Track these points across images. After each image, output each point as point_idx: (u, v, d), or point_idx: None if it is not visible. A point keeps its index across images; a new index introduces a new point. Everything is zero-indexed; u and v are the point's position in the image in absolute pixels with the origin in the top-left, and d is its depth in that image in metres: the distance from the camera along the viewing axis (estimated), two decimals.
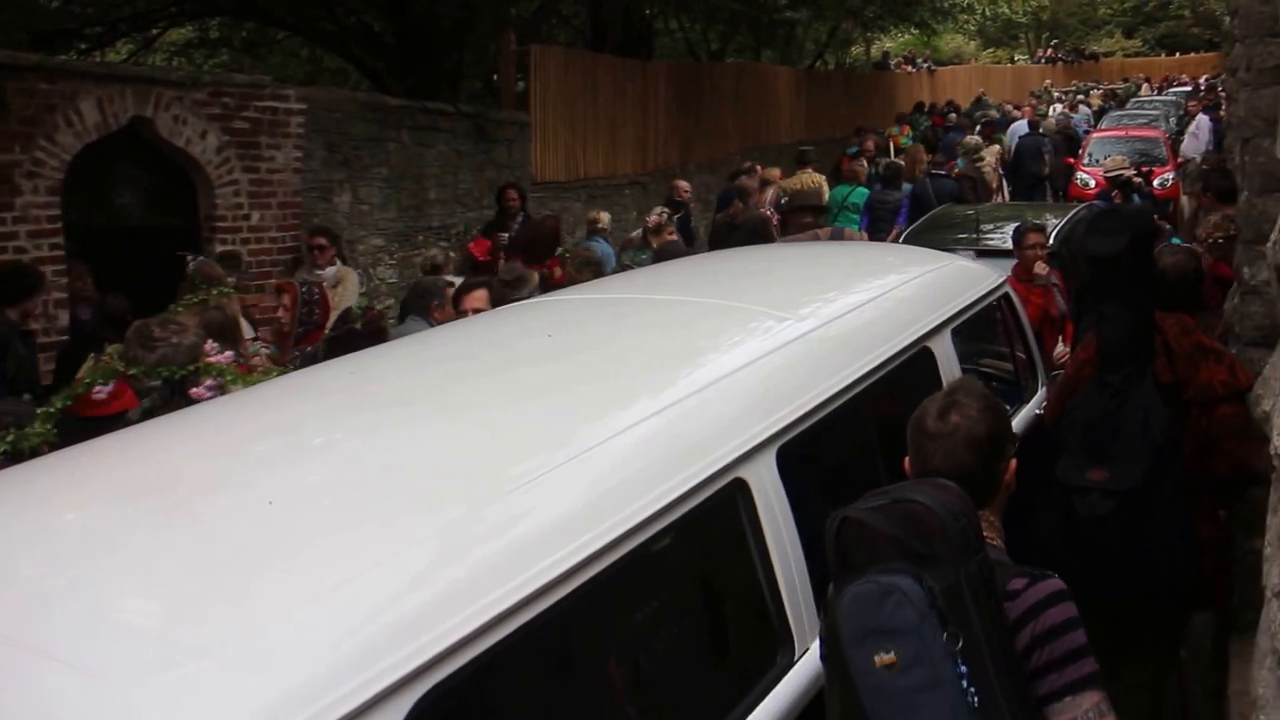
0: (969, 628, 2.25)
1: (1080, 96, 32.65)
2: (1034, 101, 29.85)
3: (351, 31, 14.28)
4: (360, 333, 5.89)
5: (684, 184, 12.92)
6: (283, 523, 2.43)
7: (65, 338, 7.67)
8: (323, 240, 8.79)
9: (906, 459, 2.83)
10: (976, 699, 2.21)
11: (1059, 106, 29.48)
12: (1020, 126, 21.36)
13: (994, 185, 15.59)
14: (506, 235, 9.87)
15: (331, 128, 10.43)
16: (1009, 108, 26.99)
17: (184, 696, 1.89)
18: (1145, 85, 36.98)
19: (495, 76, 15.95)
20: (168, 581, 2.23)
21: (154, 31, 15.57)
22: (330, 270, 8.43)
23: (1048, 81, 39.24)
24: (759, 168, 13.61)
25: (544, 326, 4.08)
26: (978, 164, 15.45)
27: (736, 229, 9.38)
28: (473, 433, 2.95)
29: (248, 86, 9.32)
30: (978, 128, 21.84)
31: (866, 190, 12.76)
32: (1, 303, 6.52)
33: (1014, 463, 2.76)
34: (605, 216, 10.52)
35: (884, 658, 2.25)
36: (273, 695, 1.90)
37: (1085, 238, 4.75)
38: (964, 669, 2.22)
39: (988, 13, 34.06)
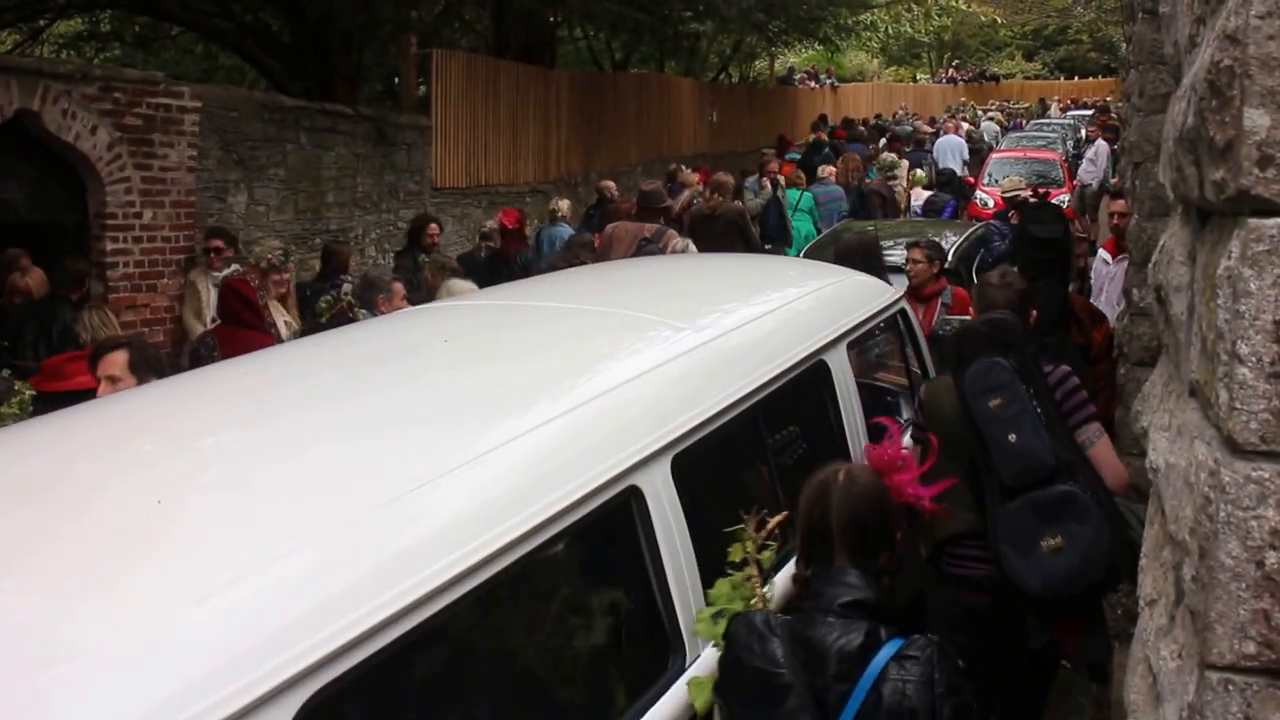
0: (1034, 383, 3.97)
1: (989, 115, 33.38)
2: (954, 117, 30.45)
3: (248, 30, 14.07)
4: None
5: (611, 184, 13.21)
6: (170, 522, 2.39)
7: None
8: (220, 242, 8.80)
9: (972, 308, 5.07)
10: (1043, 420, 3.87)
11: (990, 124, 30.15)
12: (951, 141, 21.67)
13: (904, 204, 15.80)
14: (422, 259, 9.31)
15: (227, 127, 10.26)
16: (920, 124, 27.53)
17: (65, 695, 1.86)
18: (1055, 106, 37.84)
19: (396, 80, 15.83)
20: (50, 579, 2.19)
21: (41, 23, 15.20)
22: (226, 272, 8.42)
23: (962, 98, 40.02)
24: (681, 168, 14.70)
25: (441, 332, 4.06)
26: (890, 181, 15.69)
27: (714, 220, 10.17)
28: (365, 437, 2.93)
29: (140, 82, 9.14)
30: (883, 141, 22.25)
31: (811, 194, 14.23)
32: None
33: (1036, 312, 4.72)
34: (565, 204, 11.39)
35: (995, 402, 3.88)
36: (156, 695, 1.87)
37: (1027, 225, 6.50)
38: (1036, 405, 3.89)
39: (891, 31, 34.58)
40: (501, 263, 10.08)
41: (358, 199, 12.15)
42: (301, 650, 2.04)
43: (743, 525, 3.12)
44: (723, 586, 3.06)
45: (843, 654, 2.66)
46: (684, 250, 8.13)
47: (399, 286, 6.91)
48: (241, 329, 6.80)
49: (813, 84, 33.08)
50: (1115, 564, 3.69)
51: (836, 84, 35.00)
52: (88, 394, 4.51)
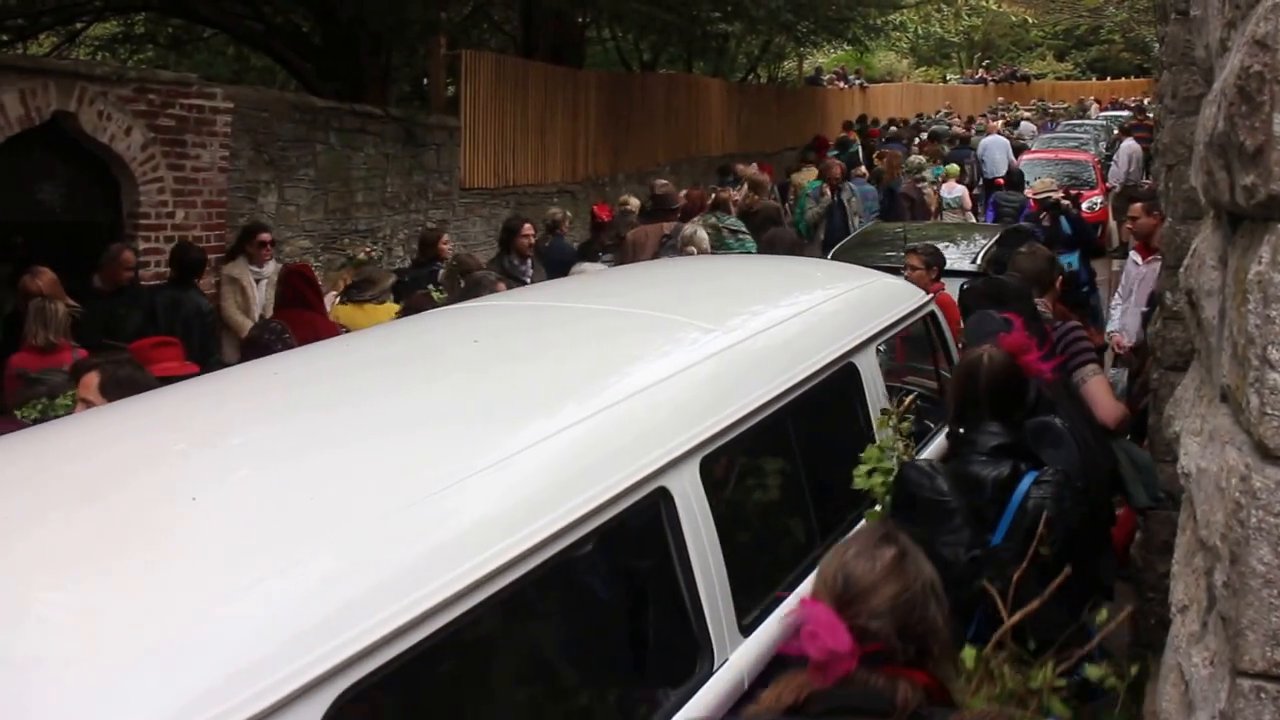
0: (1032, 331, 4.24)
1: (1025, 115, 33.30)
2: (995, 117, 30.37)
3: (279, 31, 14.14)
4: None
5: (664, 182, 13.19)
6: (204, 520, 2.42)
7: None
8: (267, 236, 8.94)
9: None
10: None
11: (1028, 124, 30.05)
12: (998, 140, 21.63)
13: (933, 206, 15.75)
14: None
15: (259, 127, 10.32)
16: (955, 123, 27.50)
17: (98, 690, 1.88)
18: (1094, 106, 37.62)
19: (425, 80, 15.87)
20: (86, 576, 2.21)
21: (78, 25, 15.32)
22: (269, 267, 8.62)
23: (1000, 98, 39.86)
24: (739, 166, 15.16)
25: (471, 333, 4.07)
26: (919, 183, 15.66)
27: (753, 217, 10.92)
28: (395, 436, 2.94)
29: (174, 84, 9.21)
30: (918, 140, 22.21)
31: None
32: None
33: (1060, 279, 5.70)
34: (555, 212, 11.45)
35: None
36: (188, 692, 1.89)
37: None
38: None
39: (920, 31, 34.45)
40: (593, 253, 10.29)
41: (387, 199, 12.19)
42: (331, 649, 2.06)
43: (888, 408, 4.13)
44: (872, 451, 3.84)
45: (995, 482, 3.68)
46: (692, 235, 8.81)
47: (503, 286, 6.99)
48: (306, 311, 7.25)
49: (841, 84, 32.99)
50: (1090, 487, 4.17)
51: (865, 84, 34.89)
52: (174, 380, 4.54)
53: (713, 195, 11.16)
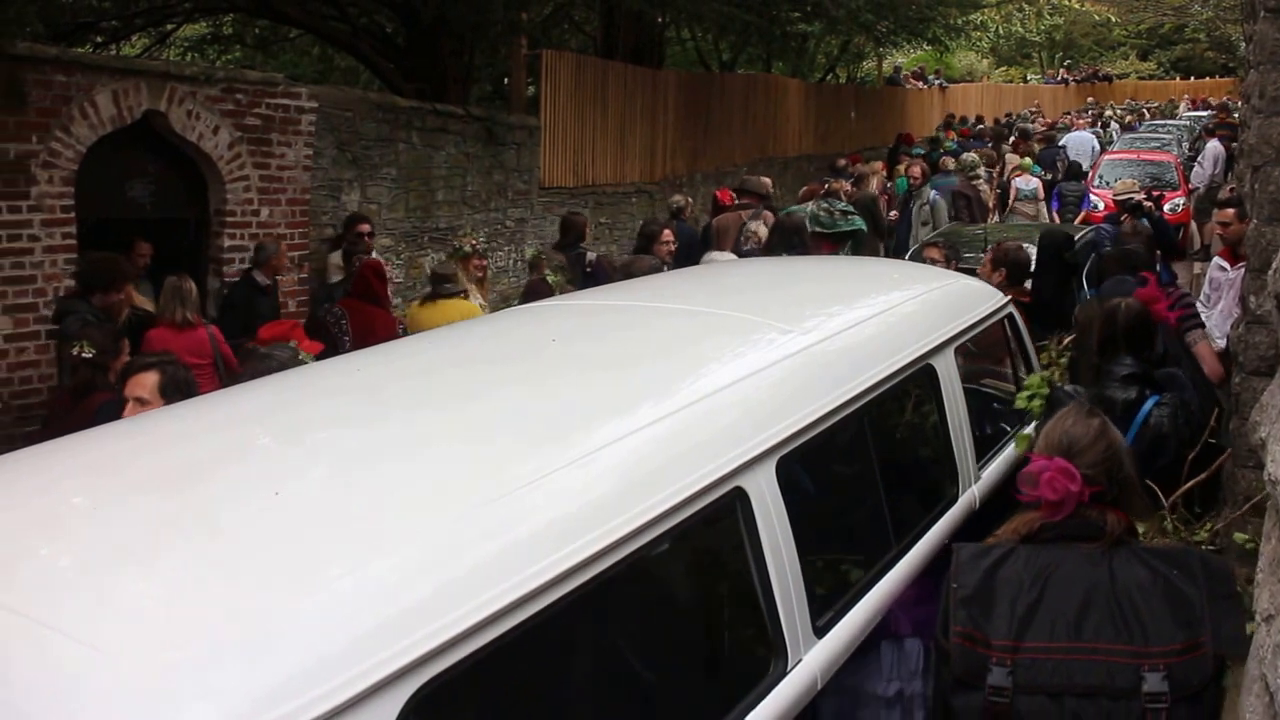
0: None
1: (1113, 114, 32.84)
2: (1084, 115, 30.01)
3: (363, 32, 14.31)
4: None
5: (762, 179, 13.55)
6: (287, 514, 2.47)
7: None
8: (367, 226, 9.42)
9: None
10: None
11: (1116, 124, 29.69)
12: (1083, 136, 21.38)
13: (991, 204, 15.67)
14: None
15: (342, 127, 10.46)
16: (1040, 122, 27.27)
17: (186, 675, 1.93)
18: (1183, 105, 36.94)
19: (506, 80, 15.96)
20: (171, 566, 2.27)
21: (169, 27, 15.63)
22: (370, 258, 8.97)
23: (1090, 98, 39.28)
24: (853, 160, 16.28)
25: (549, 331, 4.10)
26: (974, 181, 15.55)
27: (855, 203, 11.89)
28: (473, 435, 2.98)
29: (260, 83, 9.36)
30: (1011, 139, 22.11)
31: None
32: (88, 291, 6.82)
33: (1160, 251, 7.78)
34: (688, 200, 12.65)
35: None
36: (272, 679, 1.93)
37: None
38: None
39: (1001, 31, 34.03)
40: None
41: (467, 198, 12.29)
42: (410, 643, 2.08)
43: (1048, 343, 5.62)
44: (1034, 379, 5.08)
45: (1125, 403, 4.61)
46: (755, 230, 10.05)
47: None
48: (369, 303, 7.71)
49: (920, 85, 32.69)
50: (1205, 416, 4.83)
51: (945, 84, 34.53)
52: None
53: (825, 185, 13.14)
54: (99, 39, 13.22)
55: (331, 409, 3.28)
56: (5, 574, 2.27)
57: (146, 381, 4.55)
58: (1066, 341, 5.37)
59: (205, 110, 8.68)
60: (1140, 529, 3.49)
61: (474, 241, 9.94)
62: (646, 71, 16.63)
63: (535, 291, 7.97)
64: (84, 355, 5.54)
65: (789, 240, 9.20)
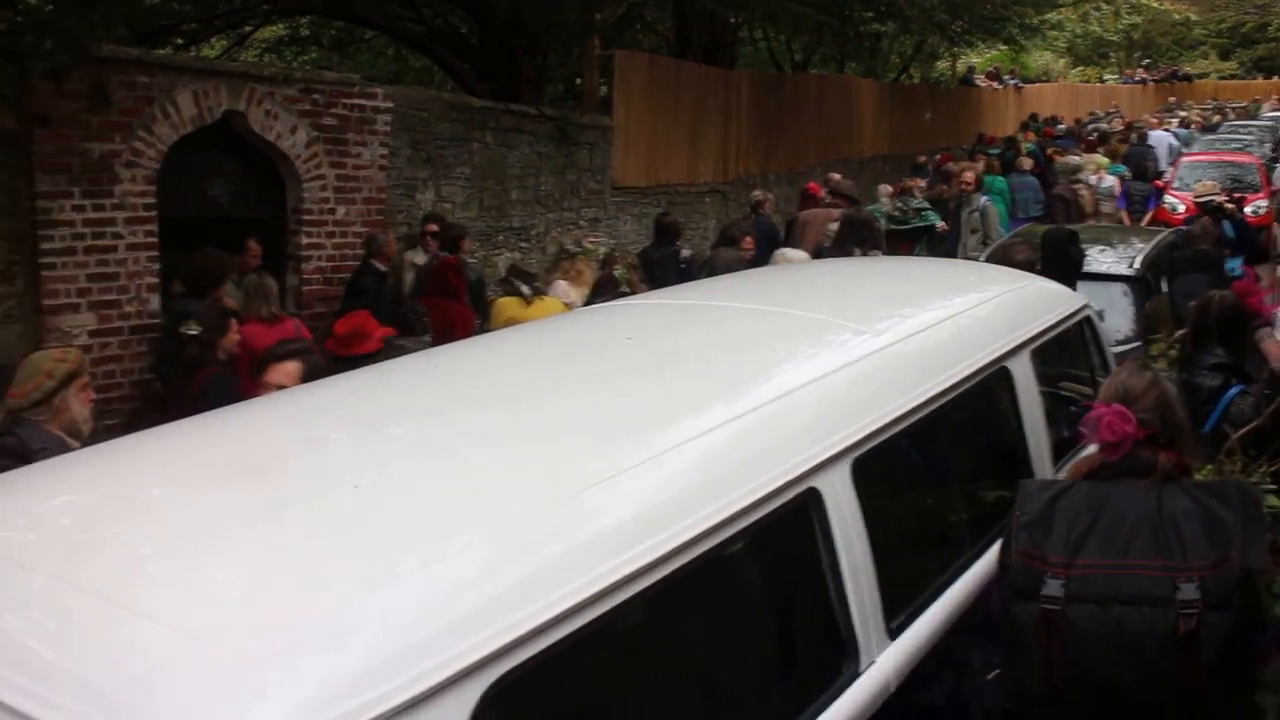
0: None
1: (1193, 114, 32.38)
2: (1169, 115, 29.64)
3: (437, 32, 14.45)
4: None
5: (839, 176, 13.99)
6: (364, 508, 2.50)
7: (156, 320, 7.90)
8: (435, 227, 9.55)
9: None
10: None
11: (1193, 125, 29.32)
12: (1160, 136, 21.15)
13: (1090, 209, 15.45)
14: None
15: (417, 126, 10.56)
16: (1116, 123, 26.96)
17: (263, 663, 1.96)
18: (1268, 104, 36.21)
19: (579, 80, 16.04)
20: (251, 555, 2.31)
21: (247, 29, 15.87)
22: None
23: (1171, 98, 38.70)
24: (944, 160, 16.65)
25: (624, 330, 4.11)
26: (1075, 184, 15.38)
27: (942, 203, 12.62)
28: (546, 432, 2.99)
29: (337, 84, 9.49)
30: (1091, 138, 21.92)
31: (1005, 180, 16.02)
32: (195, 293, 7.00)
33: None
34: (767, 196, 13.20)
35: (1194, 304, 5.49)
36: (351, 670, 1.95)
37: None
38: None
39: (1078, 30, 33.60)
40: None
41: (540, 197, 12.36)
42: (484, 638, 2.09)
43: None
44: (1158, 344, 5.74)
45: (1209, 390, 4.95)
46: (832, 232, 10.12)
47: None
48: (446, 299, 7.97)
49: (995, 85, 32.36)
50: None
51: (1020, 84, 34.15)
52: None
53: (902, 183, 13.75)
54: (179, 41, 13.45)
55: (411, 403, 3.31)
56: (89, 558, 2.32)
57: (291, 370, 4.69)
58: (1178, 335, 5.73)
59: (283, 110, 8.82)
60: (1200, 473, 3.87)
61: (591, 239, 10.12)
62: (719, 71, 16.62)
63: (604, 288, 8.06)
64: (189, 332, 5.86)
65: (859, 235, 9.29)
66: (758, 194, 13.20)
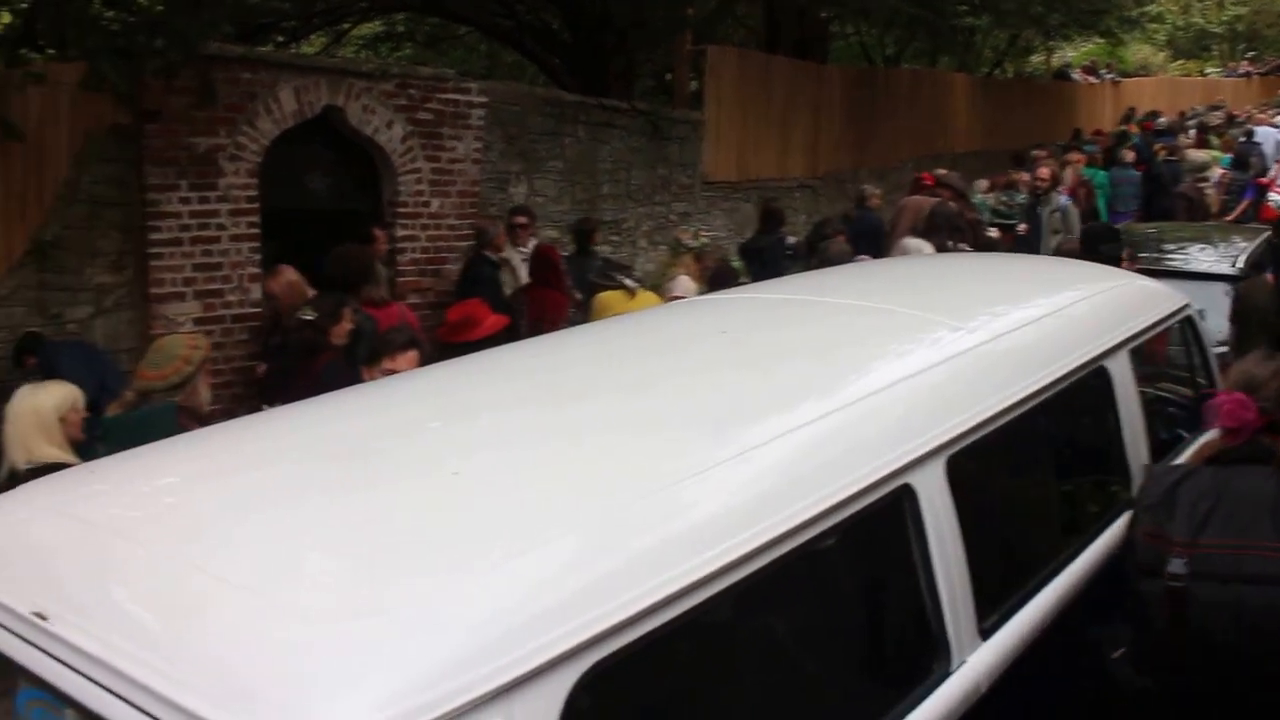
0: None
1: None
2: (1275, 112, 28.88)
3: (529, 28, 14.57)
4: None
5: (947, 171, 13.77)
6: (462, 494, 2.55)
7: (257, 309, 8.11)
8: (524, 219, 9.66)
9: None
10: None
11: None
12: (1267, 132, 20.71)
13: (1215, 209, 15.11)
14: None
15: (510, 121, 10.66)
16: (1216, 117, 26.34)
17: (366, 645, 2.00)
18: None
19: (669, 75, 16.06)
20: (354, 538, 2.36)
21: (345, 26, 16.14)
22: (532, 243, 9.39)
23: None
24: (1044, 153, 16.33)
25: (719, 324, 4.13)
26: (1200, 184, 15.08)
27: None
28: (641, 424, 3.02)
29: (433, 79, 9.60)
30: (1191, 132, 21.47)
31: (1106, 174, 16.13)
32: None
33: None
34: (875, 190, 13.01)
35: None
36: (446, 654, 1.99)
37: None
38: None
39: (1179, 22, 32.84)
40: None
41: (631, 191, 12.41)
42: (577, 626, 2.12)
43: None
44: None
45: None
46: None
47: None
48: (546, 288, 8.32)
49: (1090, 79, 31.76)
50: None
51: (1118, 79, 33.47)
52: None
53: (1008, 176, 13.91)
54: (279, 39, 13.73)
55: (508, 393, 3.37)
56: (196, 535, 2.41)
57: (411, 357, 5.03)
58: None
59: (380, 105, 8.94)
60: None
61: (696, 232, 10.29)
62: (810, 66, 16.54)
63: (721, 279, 8.18)
64: (305, 318, 6.07)
65: (943, 227, 9.37)
66: (866, 188, 12.99)
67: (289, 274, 7.28)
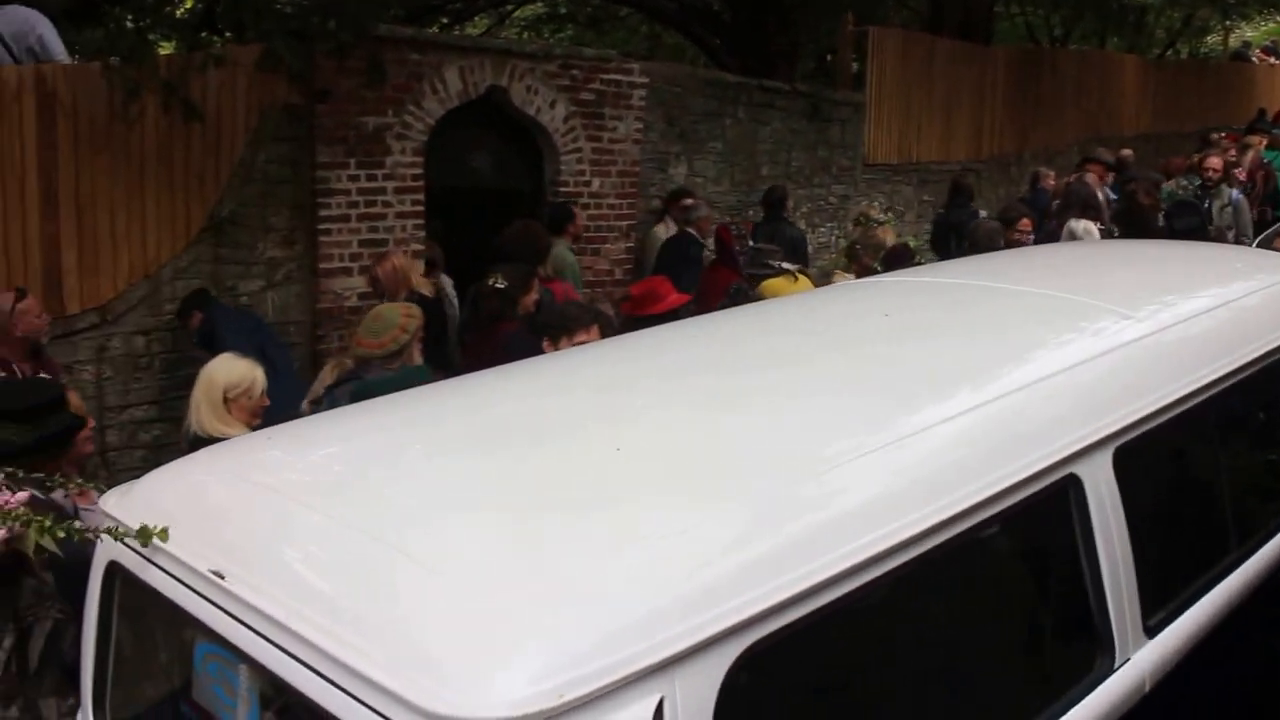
0: None
1: None
2: None
3: (691, 10, 14.58)
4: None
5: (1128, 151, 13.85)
6: (625, 469, 2.60)
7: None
8: (690, 201, 9.74)
9: None
10: None
11: None
12: None
13: None
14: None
15: (671, 101, 10.68)
16: None
17: (528, 615, 2.05)
18: None
19: (830, 57, 15.91)
20: (519, 508, 2.42)
21: (508, 7, 16.39)
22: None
23: None
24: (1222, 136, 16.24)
25: (881, 307, 4.10)
26: None
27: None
28: (801, 405, 3.02)
29: (595, 59, 9.69)
30: None
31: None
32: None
33: None
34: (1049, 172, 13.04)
35: None
36: (606, 626, 2.03)
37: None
38: None
39: None
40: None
41: (791, 173, 12.32)
42: (739, 604, 2.13)
43: None
44: None
45: None
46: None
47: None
48: (720, 265, 8.40)
49: (1271, 60, 30.35)
50: None
51: None
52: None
53: (1191, 159, 12.96)
54: (444, 20, 14.00)
55: (673, 369, 3.43)
56: (375, 510, 2.48)
57: (594, 332, 5.18)
58: None
59: (543, 85, 9.06)
60: None
61: (876, 208, 10.46)
62: (974, 47, 16.19)
63: (898, 258, 8.23)
64: (496, 285, 6.16)
65: (1075, 205, 9.38)
66: (1040, 169, 13.02)
67: (396, 258, 7.33)
